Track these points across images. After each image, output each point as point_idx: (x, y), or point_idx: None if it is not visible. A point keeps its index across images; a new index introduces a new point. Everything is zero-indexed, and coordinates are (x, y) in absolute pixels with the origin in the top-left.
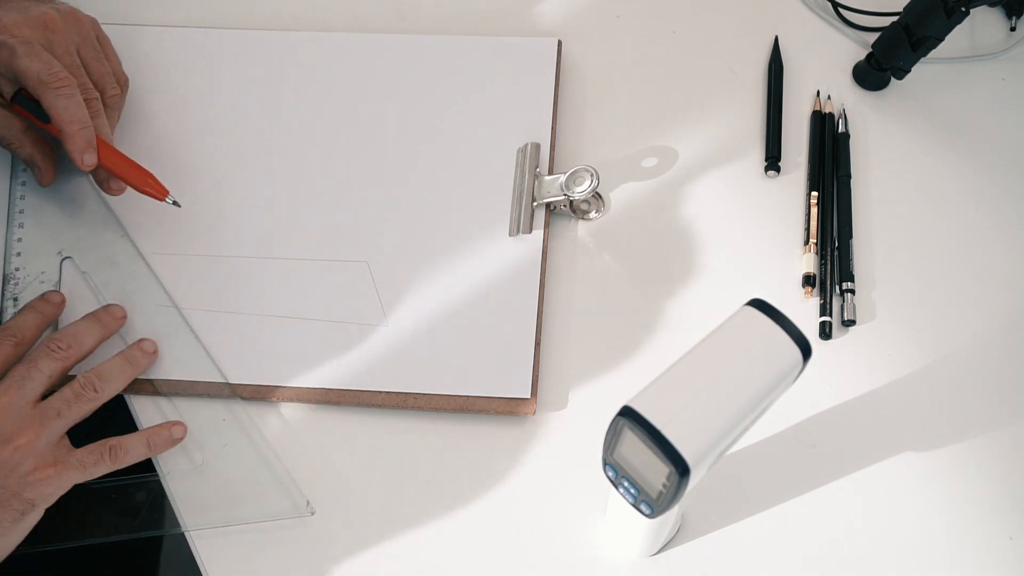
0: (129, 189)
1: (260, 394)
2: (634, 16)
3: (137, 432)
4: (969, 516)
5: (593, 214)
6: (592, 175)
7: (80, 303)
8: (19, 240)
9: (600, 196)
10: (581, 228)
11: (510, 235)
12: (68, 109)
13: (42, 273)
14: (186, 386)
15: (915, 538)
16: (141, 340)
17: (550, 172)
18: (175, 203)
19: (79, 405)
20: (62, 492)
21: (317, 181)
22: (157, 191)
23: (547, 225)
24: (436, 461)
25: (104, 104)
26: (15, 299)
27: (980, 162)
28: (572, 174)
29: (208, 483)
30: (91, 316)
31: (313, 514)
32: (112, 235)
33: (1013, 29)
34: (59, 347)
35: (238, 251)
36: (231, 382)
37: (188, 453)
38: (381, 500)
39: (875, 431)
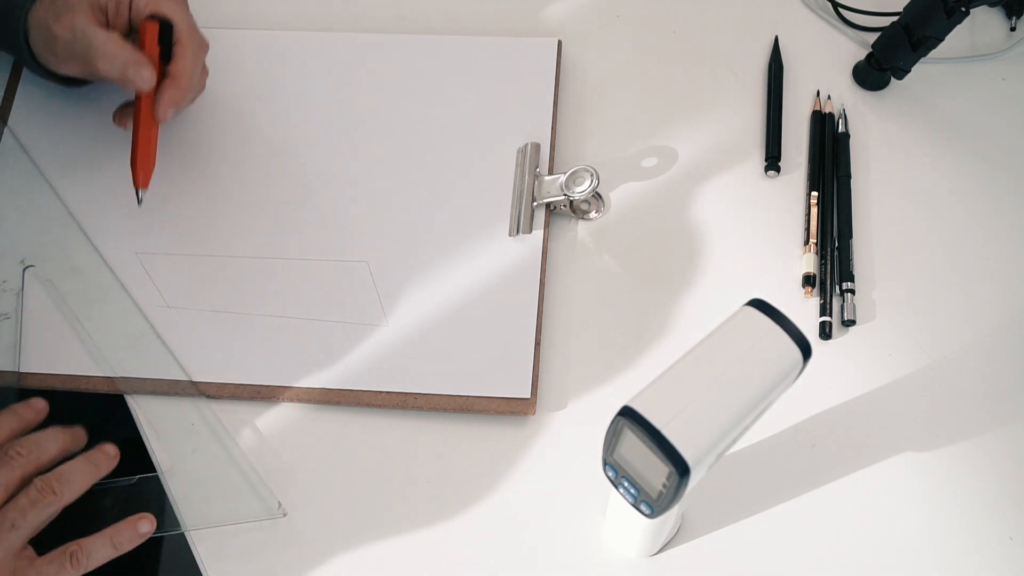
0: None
1: (261, 394)
2: (634, 16)
3: (100, 533)
4: (969, 516)
5: (593, 214)
6: (592, 175)
7: (44, 314)
8: None
9: (600, 196)
10: (581, 228)
11: (510, 235)
12: (196, 67)
13: (3, 282)
14: (152, 385)
15: (915, 538)
16: (103, 444)
17: (550, 172)
18: (139, 200)
19: (36, 512)
20: None
21: (317, 181)
22: (141, 179)
23: (547, 225)
24: (436, 461)
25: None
26: None
27: (980, 162)
28: (572, 174)
29: (177, 487)
30: (57, 428)
31: (285, 515)
32: (76, 243)
33: (1013, 29)
34: (19, 453)
35: (238, 251)
36: (232, 382)
37: (156, 457)
38: (382, 500)
39: (875, 431)
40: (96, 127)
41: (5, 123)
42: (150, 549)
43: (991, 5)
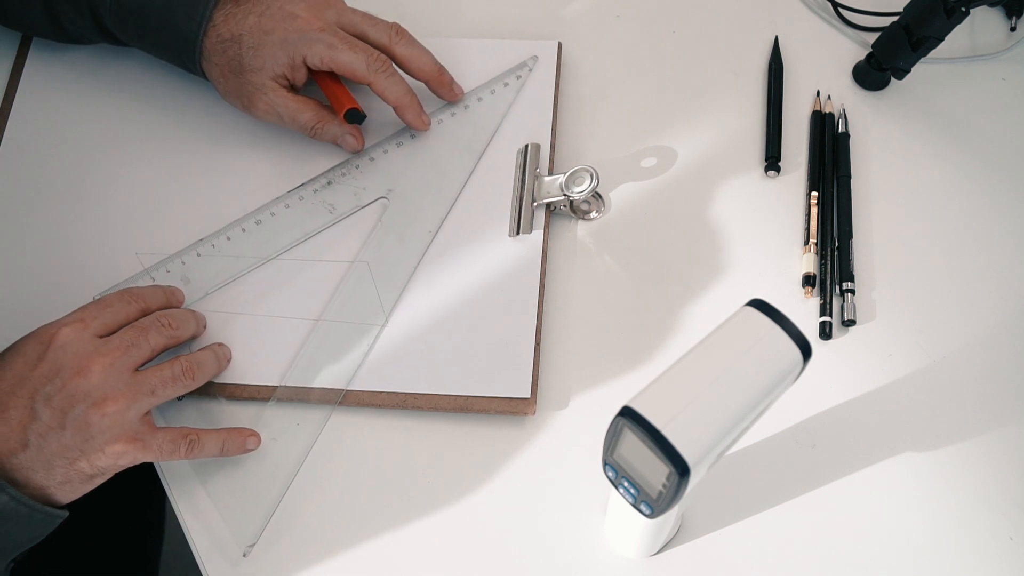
0: None
1: (261, 394)
2: (634, 16)
3: (216, 430)
4: (969, 516)
5: (593, 214)
6: (592, 175)
7: None
8: None
9: (600, 196)
10: (581, 228)
11: (510, 235)
12: (397, 86)
13: None
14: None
15: (915, 538)
16: (219, 343)
17: (550, 172)
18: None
19: (174, 387)
20: (132, 465)
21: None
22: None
23: (547, 225)
24: (436, 461)
25: (400, 50)
26: None
27: (980, 162)
28: (572, 174)
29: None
30: (190, 311)
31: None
32: None
33: (1013, 29)
34: (170, 324)
35: (238, 251)
36: (232, 383)
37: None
38: (382, 500)
39: (875, 431)
40: (98, 126)
41: (5, 123)
42: (150, 550)
43: (991, 5)
